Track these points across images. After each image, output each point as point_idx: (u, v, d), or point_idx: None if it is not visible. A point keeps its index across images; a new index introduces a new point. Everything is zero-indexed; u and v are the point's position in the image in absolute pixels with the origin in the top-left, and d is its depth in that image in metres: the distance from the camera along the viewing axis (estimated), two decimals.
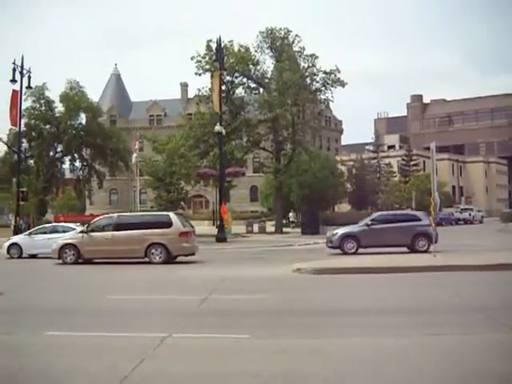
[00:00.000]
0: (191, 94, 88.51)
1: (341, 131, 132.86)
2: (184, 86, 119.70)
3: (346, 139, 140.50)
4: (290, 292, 18.14)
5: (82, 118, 72.01)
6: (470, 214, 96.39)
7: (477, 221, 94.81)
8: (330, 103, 68.60)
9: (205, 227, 72.88)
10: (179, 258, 29.69)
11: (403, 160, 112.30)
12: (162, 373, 8.82)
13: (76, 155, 73.47)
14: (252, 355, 9.89)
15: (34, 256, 34.76)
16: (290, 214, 73.52)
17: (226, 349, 10.39)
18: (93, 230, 29.92)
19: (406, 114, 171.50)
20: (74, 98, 68.89)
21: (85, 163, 74.69)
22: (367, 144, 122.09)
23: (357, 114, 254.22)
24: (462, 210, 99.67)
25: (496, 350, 9.91)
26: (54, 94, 71.34)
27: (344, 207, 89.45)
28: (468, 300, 15.36)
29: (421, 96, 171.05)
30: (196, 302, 15.34)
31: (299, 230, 60.25)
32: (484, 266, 21.78)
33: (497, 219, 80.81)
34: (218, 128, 48.77)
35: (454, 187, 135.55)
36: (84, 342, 11.15)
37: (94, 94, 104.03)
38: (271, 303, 15.60)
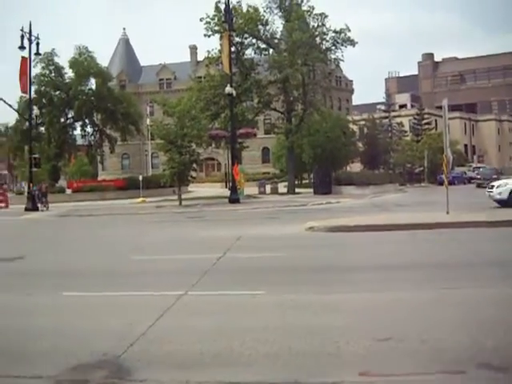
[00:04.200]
0: (201, 56, 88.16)
1: (352, 91, 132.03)
2: (193, 49, 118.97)
3: (357, 99, 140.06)
4: (303, 250, 18.24)
5: (92, 84, 72.05)
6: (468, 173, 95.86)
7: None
8: (341, 63, 68.23)
9: (218, 189, 73.22)
10: None
11: (415, 119, 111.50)
12: (179, 329, 8.91)
13: (87, 121, 73.61)
14: (268, 310, 9.95)
15: None
16: None
17: (242, 304, 10.52)
18: None
19: (417, 73, 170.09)
20: (84, 64, 68.81)
21: (96, 128, 74.77)
22: (378, 104, 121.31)
23: (368, 74, 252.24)
24: (474, 168, 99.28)
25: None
26: (63, 60, 71.48)
27: (356, 167, 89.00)
28: (482, 255, 15.36)
29: (432, 54, 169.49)
30: (211, 260, 15.38)
31: (311, 190, 60.25)
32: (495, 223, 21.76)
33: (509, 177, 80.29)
34: (228, 89, 48.67)
35: (466, 146, 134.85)
36: (101, 301, 11.26)
37: (104, 59, 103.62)
38: (285, 261, 15.66)
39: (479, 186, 62.34)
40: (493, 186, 31.60)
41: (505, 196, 30.14)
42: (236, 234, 22.13)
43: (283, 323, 8.90)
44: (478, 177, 73.57)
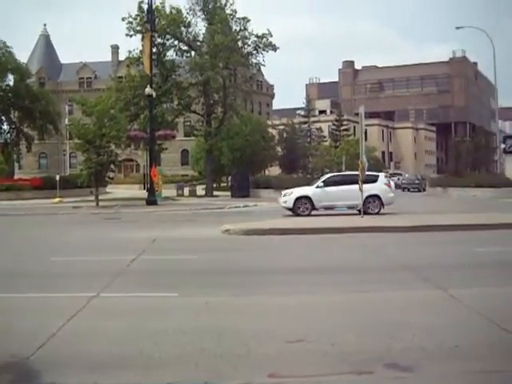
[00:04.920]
0: (122, 56, 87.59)
1: (272, 95, 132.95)
2: (115, 49, 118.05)
3: (278, 104, 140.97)
4: (218, 252, 18.30)
5: (10, 80, 70.52)
6: (398, 179, 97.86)
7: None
8: (263, 67, 68.62)
9: (136, 191, 72.73)
10: None
11: (334, 125, 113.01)
12: (89, 331, 8.82)
13: (3, 118, 72.00)
14: (180, 312, 10.00)
15: None
16: None
17: (155, 307, 10.50)
18: None
19: (337, 80, 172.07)
20: (1, 59, 67.34)
21: (13, 126, 73.14)
22: (299, 109, 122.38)
23: (289, 79, 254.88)
24: (391, 174, 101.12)
25: (420, 304, 10.20)
26: None
27: (274, 171, 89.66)
28: (393, 259, 15.72)
29: (352, 62, 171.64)
30: (125, 262, 15.31)
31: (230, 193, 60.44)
32: (411, 227, 22.31)
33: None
34: (148, 90, 48.45)
35: (383, 152, 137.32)
36: (12, 302, 11.09)
37: (22, 55, 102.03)
38: (199, 263, 15.69)
39: (404, 189, 75.24)
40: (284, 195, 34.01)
41: (290, 204, 32.71)
42: (151, 236, 22.07)
43: (195, 325, 8.93)
44: (404, 181, 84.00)
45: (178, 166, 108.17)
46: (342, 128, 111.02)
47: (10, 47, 68.69)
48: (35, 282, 13.26)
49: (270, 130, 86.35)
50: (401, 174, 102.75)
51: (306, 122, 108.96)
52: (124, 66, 69.24)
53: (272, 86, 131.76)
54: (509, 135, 77.45)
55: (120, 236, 24.08)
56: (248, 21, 61.84)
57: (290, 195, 33.26)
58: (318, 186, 33.30)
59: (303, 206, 32.38)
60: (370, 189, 31.62)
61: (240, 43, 62.38)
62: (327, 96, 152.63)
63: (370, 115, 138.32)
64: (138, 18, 58.19)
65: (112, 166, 50.38)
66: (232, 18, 62.36)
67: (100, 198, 49.24)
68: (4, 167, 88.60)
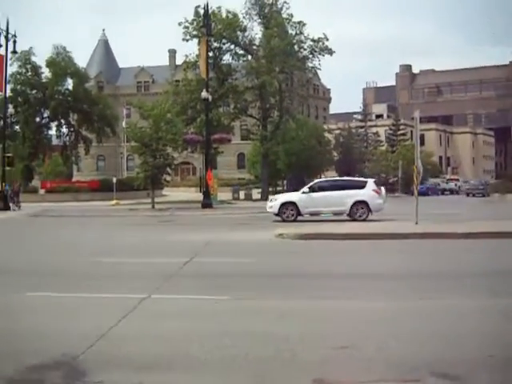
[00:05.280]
0: (179, 60, 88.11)
1: (329, 100, 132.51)
2: (172, 53, 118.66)
3: (334, 108, 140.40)
4: (271, 256, 18.41)
5: (69, 84, 71.78)
6: (455, 185, 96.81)
7: (463, 191, 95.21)
8: (319, 71, 68.62)
9: (192, 194, 73.11)
10: None
11: (390, 129, 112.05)
12: (139, 331, 8.93)
13: (63, 121, 73.32)
14: (229, 315, 10.00)
15: None
16: None
17: (204, 309, 10.53)
18: None
19: (394, 84, 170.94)
20: (61, 64, 68.58)
21: (71, 129, 74.53)
22: (355, 113, 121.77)
23: (346, 83, 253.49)
24: (448, 180, 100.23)
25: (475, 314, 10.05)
26: (40, 59, 71.16)
27: (331, 175, 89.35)
28: (455, 266, 15.53)
29: (410, 66, 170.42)
30: (178, 264, 15.42)
31: None
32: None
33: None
34: (204, 94, 48.75)
35: (440, 158, 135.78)
36: (65, 302, 11.24)
37: (82, 60, 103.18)
38: (252, 267, 15.75)
39: (468, 194, 74.36)
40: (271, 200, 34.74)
41: (276, 209, 33.01)
42: (205, 239, 22.23)
43: (243, 329, 8.96)
44: (468, 187, 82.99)
45: (234, 170, 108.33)
46: (399, 133, 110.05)
47: (70, 52, 69.96)
48: (88, 282, 13.45)
49: (327, 134, 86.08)
50: (458, 180, 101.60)
51: (362, 127, 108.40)
52: (181, 70, 69.81)
53: (329, 90, 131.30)
54: None
55: (174, 239, 24.28)
56: (304, 25, 61.94)
57: (276, 201, 33.79)
58: (303, 192, 33.54)
59: (288, 212, 32.54)
60: (357, 195, 32.19)
61: (296, 47, 62.39)
62: (384, 100, 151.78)
63: (428, 120, 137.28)
64: (195, 23, 58.58)
65: (168, 169, 50.84)
66: (288, 22, 62.51)
67: (156, 200, 49.72)
68: (63, 169, 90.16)
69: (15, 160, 55.17)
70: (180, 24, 59.32)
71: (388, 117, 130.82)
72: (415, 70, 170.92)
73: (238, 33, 61.74)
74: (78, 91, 69.91)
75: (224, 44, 61.88)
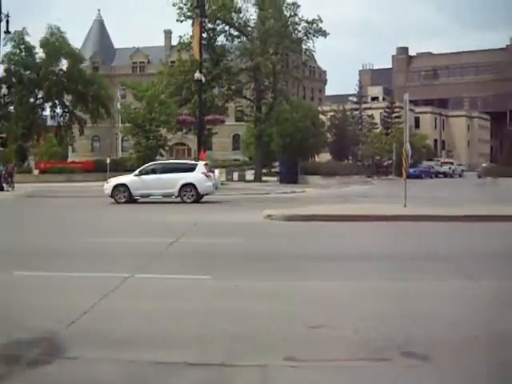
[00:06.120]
0: (175, 41, 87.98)
1: (325, 82, 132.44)
2: (168, 33, 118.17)
3: (331, 90, 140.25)
4: (257, 237, 18.53)
5: (64, 64, 71.67)
6: (449, 168, 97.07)
7: (456, 175, 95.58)
8: (316, 53, 68.57)
9: None
10: None
11: (385, 112, 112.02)
12: (120, 310, 9.04)
13: (57, 102, 73.25)
14: (210, 294, 10.11)
15: None
16: None
17: (186, 288, 10.65)
18: None
19: (391, 67, 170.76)
20: (55, 44, 68.45)
21: (66, 110, 74.45)
22: (351, 95, 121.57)
23: (343, 65, 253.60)
24: (442, 163, 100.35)
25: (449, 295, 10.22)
26: (34, 39, 70.93)
27: (324, 157, 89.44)
28: (431, 248, 15.71)
29: (406, 48, 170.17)
30: (164, 245, 15.50)
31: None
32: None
33: (476, 173, 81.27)
34: (197, 75, 48.70)
35: (435, 141, 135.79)
36: (49, 281, 11.34)
37: (77, 40, 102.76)
38: (238, 247, 15.85)
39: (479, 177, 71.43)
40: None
41: (109, 191, 34.10)
42: (193, 220, 22.38)
43: (222, 307, 9.05)
44: (479, 169, 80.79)
45: (229, 151, 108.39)
46: (394, 115, 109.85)
47: (64, 32, 69.80)
48: (72, 261, 13.56)
49: (321, 116, 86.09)
50: (452, 163, 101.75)
51: (357, 109, 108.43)
52: (175, 51, 69.70)
53: (325, 72, 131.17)
54: None
55: (162, 219, 24.46)
56: (298, 6, 61.88)
57: (110, 183, 34.76)
58: (135, 175, 34.51)
59: (121, 194, 33.61)
60: (185, 177, 33.22)
61: (290, 29, 62.28)
62: (380, 83, 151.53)
63: (424, 103, 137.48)
64: (189, 3, 58.44)
65: (161, 150, 50.91)
66: (282, 4, 62.27)
67: None
68: (57, 150, 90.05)
69: (9, 141, 55.16)
70: (174, 5, 59.31)
71: (383, 99, 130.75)
72: (412, 53, 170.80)
73: (233, 14, 61.64)
74: (73, 72, 69.85)
75: (218, 25, 61.84)
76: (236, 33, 63.11)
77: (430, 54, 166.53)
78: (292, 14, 61.83)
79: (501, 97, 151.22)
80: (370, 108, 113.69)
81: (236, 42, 64.04)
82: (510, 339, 7.53)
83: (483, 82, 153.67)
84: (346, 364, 6.63)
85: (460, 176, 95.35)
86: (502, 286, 10.67)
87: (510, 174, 61.11)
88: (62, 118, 74.88)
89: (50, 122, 78.17)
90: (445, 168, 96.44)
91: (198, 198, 33.38)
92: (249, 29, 63.32)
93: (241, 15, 62.39)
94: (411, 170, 76.85)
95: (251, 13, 63.64)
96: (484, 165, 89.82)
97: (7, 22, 49.81)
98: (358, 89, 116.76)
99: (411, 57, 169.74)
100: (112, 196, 33.66)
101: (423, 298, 9.87)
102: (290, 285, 10.89)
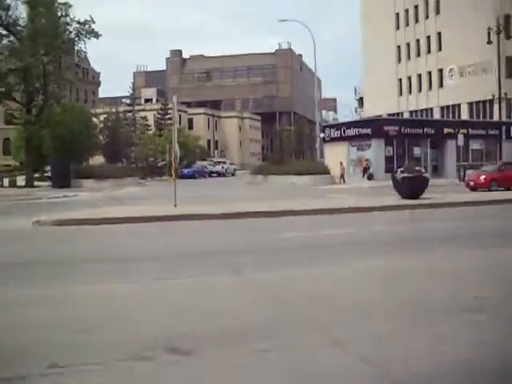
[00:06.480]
0: None
1: (98, 83, 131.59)
2: None
3: (105, 92, 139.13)
4: (20, 244, 18.02)
5: None
6: (222, 167, 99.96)
7: (229, 173, 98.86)
8: (90, 55, 67.84)
9: None
10: None
11: (159, 113, 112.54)
12: None
13: None
14: None
15: None
16: None
17: None
18: None
19: (165, 69, 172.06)
20: None
21: None
22: (125, 97, 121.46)
23: (118, 68, 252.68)
24: (215, 162, 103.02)
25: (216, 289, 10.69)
26: None
27: (98, 160, 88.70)
28: (199, 245, 16.19)
29: (180, 51, 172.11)
30: None
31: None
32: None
33: (248, 172, 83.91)
34: None
35: (209, 141, 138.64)
36: None
37: None
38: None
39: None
40: None
41: None
42: None
43: None
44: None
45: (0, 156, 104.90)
46: (167, 117, 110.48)
47: None
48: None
49: (95, 118, 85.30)
50: (225, 163, 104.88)
51: (130, 111, 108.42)
52: None
53: (99, 73, 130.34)
54: (327, 125, 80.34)
55: None
56: (70, 6, 60.46)
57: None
58: None
59: None
60: None
61: (62, 29, 61.09)
62: (155, 85, 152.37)
63: (197, 104, 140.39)
64: None
65: None
66: (54, 3, 60.90)
67: None
68: None
69: None
70: None
71: (157, 101, 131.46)
72: (186, 55, 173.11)
73: (1, 12, 59.49)
74: None
75: None
76: (4, 32, 60.94)
77: (203, 56, 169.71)
78: (63, 14, 60.59)
79: (271, 98, 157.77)
80: (143, 110, 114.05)
81: (5, 41, 61.87)
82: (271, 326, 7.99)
83: (254, 85, 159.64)
84: (107, 367, 6.64)
85: (233, 175, 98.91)
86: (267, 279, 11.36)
87: (280, 172, 63.45)
88: None
89: None
90: (218, 167, 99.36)
91: None
92: (18, 28, 61.27)
93: (9, 13, 60.26)
94: (185, 171, 78.44)
95: (21, 11, 61.72)
96: (258, 164, 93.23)
97: None
98: (131, 91, 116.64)
99: (185, 59, 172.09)
100: None
101: (190, 295, 10.24)
102: (55, 291, 10.74)
